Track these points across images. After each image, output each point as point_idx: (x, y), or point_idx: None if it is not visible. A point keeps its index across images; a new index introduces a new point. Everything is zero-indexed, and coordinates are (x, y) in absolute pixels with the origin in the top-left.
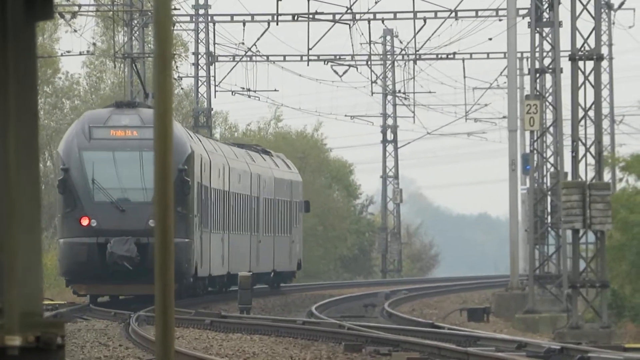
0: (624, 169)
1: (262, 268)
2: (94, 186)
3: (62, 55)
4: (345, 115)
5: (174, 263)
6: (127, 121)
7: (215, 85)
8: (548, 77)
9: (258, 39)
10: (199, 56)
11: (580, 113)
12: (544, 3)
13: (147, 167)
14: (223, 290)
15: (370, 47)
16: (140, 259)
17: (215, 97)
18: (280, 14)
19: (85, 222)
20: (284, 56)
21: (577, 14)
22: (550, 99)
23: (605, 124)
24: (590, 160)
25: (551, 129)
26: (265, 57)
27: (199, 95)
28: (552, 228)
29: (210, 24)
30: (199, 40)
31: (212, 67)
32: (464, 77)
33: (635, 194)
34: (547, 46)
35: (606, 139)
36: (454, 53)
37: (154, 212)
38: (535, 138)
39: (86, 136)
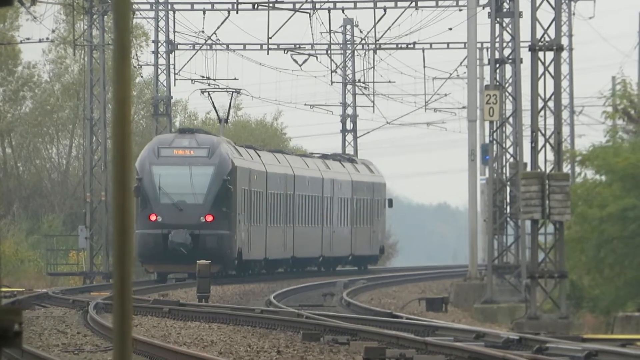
0: (581, 162)
1: (337, 253)
2: (160, 191)
3: (21, 42)
4: (305, 104)
5: (219, 249)
6: (186, 143)
7: (175, 74)
8: (508, 68)
9: (218, 28)
10: (159, 44)
11: (540, 104)
12: None
13: (199, 178)
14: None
15: (330, 37)
16: (193, 246)
17: (175, 85)
18: (241, 3)
19: (153, 218)
20: (244, 45)
21: (538, 4)
22: (510, 89)
23: (565, 114)
24: (550, 150)
25: (511, 120)
26: (225, 46)
27: (159, 83)
28: (511, 218)
29: (170, 12)
30: (159, 29)
31: (171, 56)
32: (424, 67)
33: (594, 187)
34: (507, 36)
35: (566, 130)
36: (414, 43)
37: (204, 210)
38: (494, 128)
39: (155, 154)
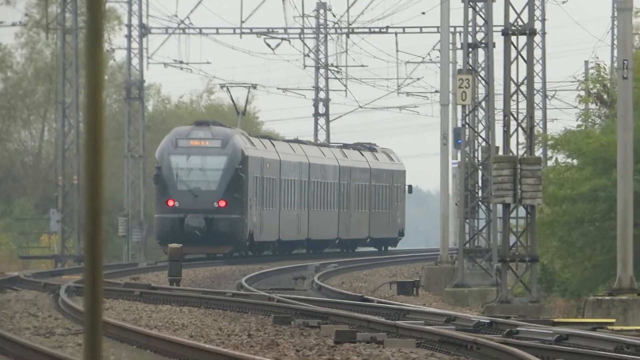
0: (553, 146)
1: (354, 235)
2: (177, 179)
3: None
4: (278, 88)
5: (231, 232)
6: (202, 135)
7: (147, 58)
8: (481, 52)
9: (191, 11)
10: (132, 28)
11: (513, 88)
12: None
13: (213, 167)
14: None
15: (303, 20)
16: (207, 229)
17: (147, 69)
18: None
19: (170, 203)
20: (217, 29)
21: None
22: (482, 73)
23: (538, 99)
24: (522, 135)
25: (483, 104)
26: (198, 30)
27: (132, 67)
28: (483, 202)
29: None
30: (132, 12)
31: (144, 39)
32: (397, 51)
33: (565, 170)
34: (480, 21)
35: (538, 114)
36: (387, 27)
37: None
38: (467, 112)
39: (173, 144)
